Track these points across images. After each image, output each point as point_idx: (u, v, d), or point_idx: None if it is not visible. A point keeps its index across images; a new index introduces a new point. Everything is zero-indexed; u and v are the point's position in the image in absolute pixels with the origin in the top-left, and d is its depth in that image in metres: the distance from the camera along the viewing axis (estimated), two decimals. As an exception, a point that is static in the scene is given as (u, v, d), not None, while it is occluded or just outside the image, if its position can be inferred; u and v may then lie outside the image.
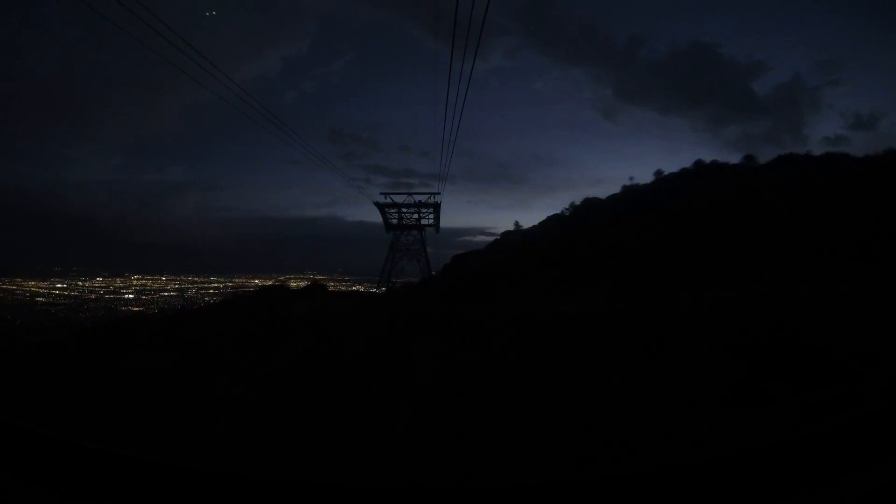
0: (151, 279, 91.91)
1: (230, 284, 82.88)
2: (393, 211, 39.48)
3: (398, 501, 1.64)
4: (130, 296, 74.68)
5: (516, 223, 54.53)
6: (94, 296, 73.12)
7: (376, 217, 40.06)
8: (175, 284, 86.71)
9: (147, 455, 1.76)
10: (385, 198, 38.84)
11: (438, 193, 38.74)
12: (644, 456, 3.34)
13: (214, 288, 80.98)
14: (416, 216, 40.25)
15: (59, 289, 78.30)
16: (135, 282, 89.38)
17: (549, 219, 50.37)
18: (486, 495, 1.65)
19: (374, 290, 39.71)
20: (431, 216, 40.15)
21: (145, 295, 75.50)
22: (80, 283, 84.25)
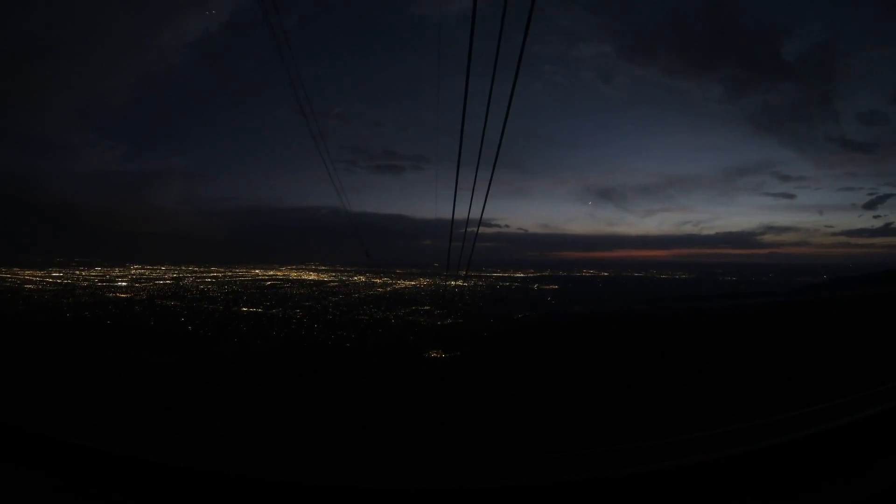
0: (151, 269, 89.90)
1: (229, 274, 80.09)
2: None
3: (397, 501, 1.64)
4: (124, 283, 71.85)
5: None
6: (86, 284, 70.54)
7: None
8: (173, 274, 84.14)
9: (148, 455, 1.72)
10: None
11: None
12: None
13: (212, 278, 78.42)
14: None
15: (53, 278, 75.77)
16: (133, 271, 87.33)
17: None
18: (485, 495, 1.68)
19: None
20: None
21: (139, 283, 72.68)
22: (77, 273, 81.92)
